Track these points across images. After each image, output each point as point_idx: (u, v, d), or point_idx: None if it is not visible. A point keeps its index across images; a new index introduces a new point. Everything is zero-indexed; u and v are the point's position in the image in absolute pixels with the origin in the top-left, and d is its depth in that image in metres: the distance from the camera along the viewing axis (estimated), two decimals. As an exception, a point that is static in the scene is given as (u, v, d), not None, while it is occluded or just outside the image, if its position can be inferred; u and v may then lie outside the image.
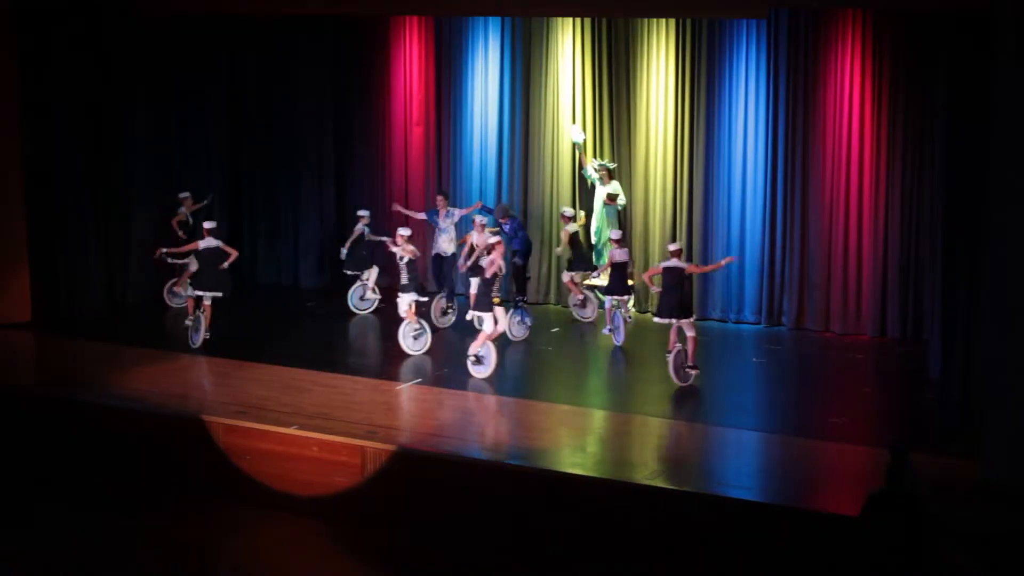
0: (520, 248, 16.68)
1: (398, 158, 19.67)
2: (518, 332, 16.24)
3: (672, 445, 12.79)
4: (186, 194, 17.92)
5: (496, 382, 14.60)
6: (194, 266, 16.49)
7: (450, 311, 17.09)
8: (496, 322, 14.38)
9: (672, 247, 14.73)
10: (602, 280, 18.25)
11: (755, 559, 10.65)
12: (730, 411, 13.81)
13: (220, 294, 15.83)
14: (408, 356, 15.56)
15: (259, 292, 19.42)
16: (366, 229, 17.67)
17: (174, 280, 17.89)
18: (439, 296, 17.15)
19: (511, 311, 16.11)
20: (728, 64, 17.18)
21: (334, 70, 19.67)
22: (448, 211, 17.37)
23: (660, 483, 11.29)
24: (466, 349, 14.69)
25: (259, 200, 19.99)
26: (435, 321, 16.85)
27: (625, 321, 16.09)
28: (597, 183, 18.01)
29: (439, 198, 17.59)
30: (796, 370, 15.64)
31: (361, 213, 17.90)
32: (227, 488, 12.70)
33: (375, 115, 19.71)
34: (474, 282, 15.78)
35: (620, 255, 16.05)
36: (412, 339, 15.63)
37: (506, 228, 16.62)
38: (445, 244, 17.35)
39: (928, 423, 13.15)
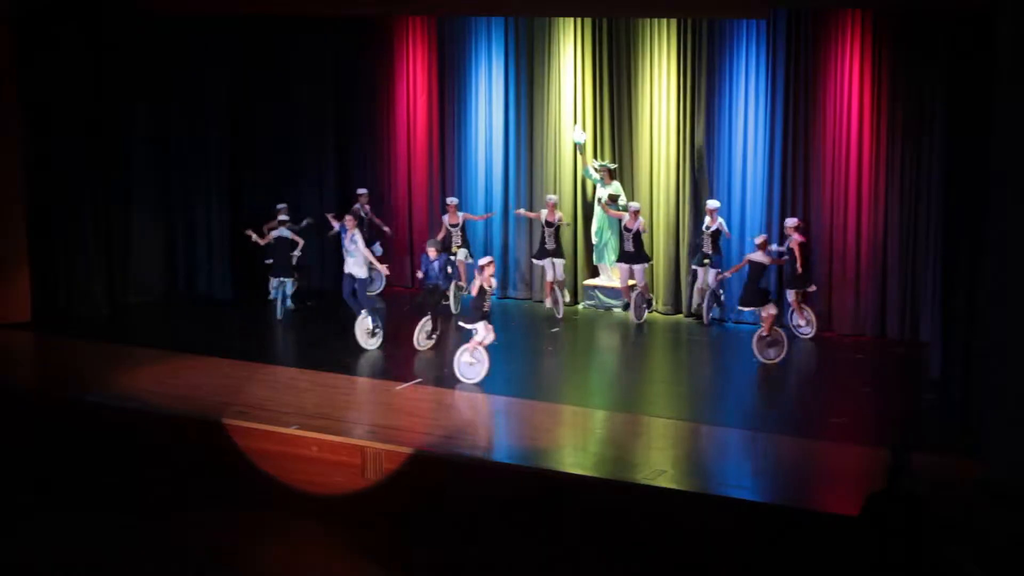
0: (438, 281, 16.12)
1: (401, 159, 19.68)
2: (424, 344, 15.97)
3: (672, 445, 12.78)
4: (283, 205, 18.20)
5: (496, 382, 14.61)
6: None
7: (377, 332, 16.12)
8: (487, 330, 14.63)
9: (757, 239, 15.77)
10: (603, 280, 18.31)
11: (755, 559, 10.65)
12: (730, 411, 13.81)
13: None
14: (406, 357, 15.56)
15: (259, 292, 19.42)
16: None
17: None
18: (365, 317, 16.10)
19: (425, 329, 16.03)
20: (728, 64, 17.18)
21: (335, 71, 19.67)
22: (352, 235, 16.23)
23: (660, 483, 11.29)
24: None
25: (259, 200, 19.96)
26: (362, 342, 16.03)
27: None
28: (598, 184, 18.03)
29: (348, 218, 16.56)
30: (796, 370, 15.64)
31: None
32: (227, 488, 12.70)
33: (377, 116, 19.72)
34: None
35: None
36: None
37: (436, 262, 16.05)
38: (353, 267, 16.23)
39: (928, 423, 13.14)
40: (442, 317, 16.36)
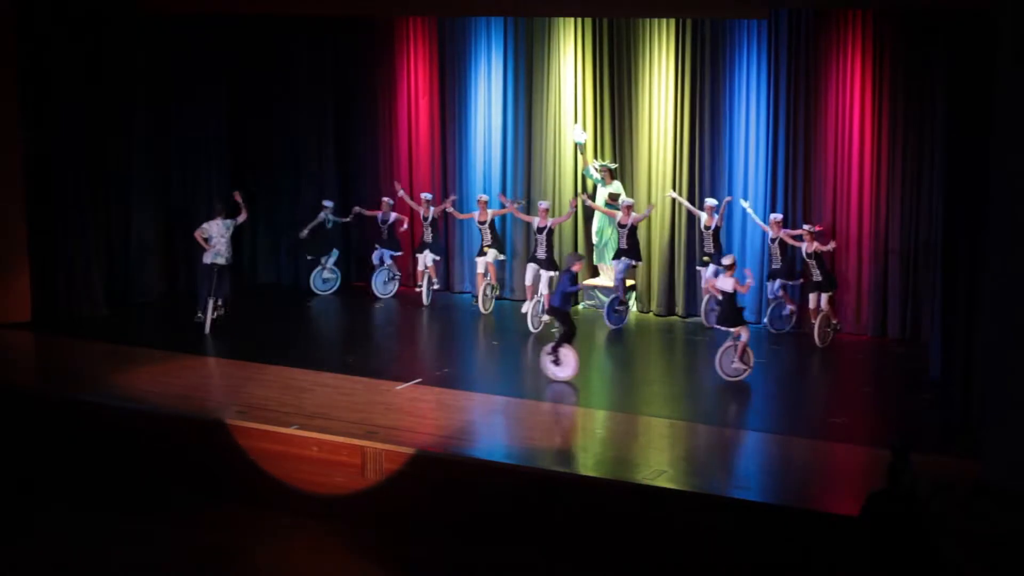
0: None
1: (402, 159, 19.67)
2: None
3: (672, 445, 12.78)
4: (330, 203, 18.91)
5: (496, 382, 14.60)
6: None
7: (218, 313, 16.61)
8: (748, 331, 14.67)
9: (775, 216, 16.25)
10: (603, 280, 18.30)
11: (756, 559, 10.65)
12: (730, 411, 13.81)
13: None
14: (406, 357, 15.55)
15: (259, 292, 19.44)
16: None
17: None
18: (209, 303, 16.59)
19: None
20: (729, 64, 17.17)
21: (335, 70, 19.67)
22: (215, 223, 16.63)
23: (660, 483, 11.29)
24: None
25: (259, 200, 19.96)
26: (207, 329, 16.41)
27: None
28: (599, 183, 18.02)
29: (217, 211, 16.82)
30: (796, 370, 15.64)
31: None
32: (227, 488, 12.70)
33: (377, 116, 19.70)
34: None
35: None
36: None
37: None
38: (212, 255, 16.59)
39: (928, 423, 13.15)
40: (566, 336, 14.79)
